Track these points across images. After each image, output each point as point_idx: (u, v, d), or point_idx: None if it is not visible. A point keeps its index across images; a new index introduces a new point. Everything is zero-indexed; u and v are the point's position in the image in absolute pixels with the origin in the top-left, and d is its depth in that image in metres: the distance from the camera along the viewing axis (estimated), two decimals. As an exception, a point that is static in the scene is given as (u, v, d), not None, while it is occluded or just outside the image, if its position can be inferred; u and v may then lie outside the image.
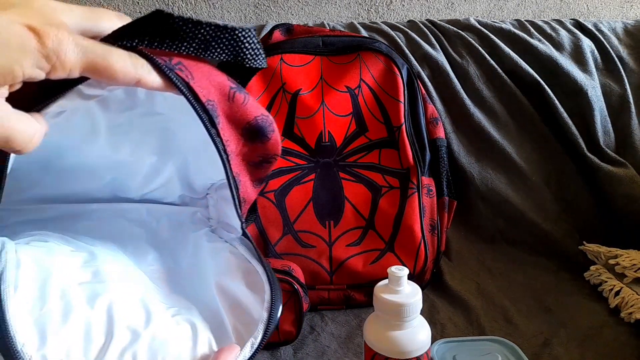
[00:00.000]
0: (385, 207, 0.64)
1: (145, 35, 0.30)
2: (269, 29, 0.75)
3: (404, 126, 0.65)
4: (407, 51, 0.78)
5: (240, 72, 0.37)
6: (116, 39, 0.30)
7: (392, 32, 0.80)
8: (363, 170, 0.65)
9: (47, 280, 0.40)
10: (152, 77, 0.30)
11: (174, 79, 0.31)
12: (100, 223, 0.50)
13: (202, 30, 0.31)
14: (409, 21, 0.86)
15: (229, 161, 0.37)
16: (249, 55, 0.34)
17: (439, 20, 0.85)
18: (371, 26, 0.82)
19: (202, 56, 0.34)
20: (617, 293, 0.61)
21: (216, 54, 0.34)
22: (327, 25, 0.82)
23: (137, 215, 0.52)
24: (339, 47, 0.67)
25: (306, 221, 0.63)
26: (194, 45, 0.32)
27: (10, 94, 0.27)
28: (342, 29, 0.81)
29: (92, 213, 0.51)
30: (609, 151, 0.76)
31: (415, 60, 0.78)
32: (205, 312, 0.42)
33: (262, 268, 0.42)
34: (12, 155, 0.36)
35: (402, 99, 0.65)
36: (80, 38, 0.27)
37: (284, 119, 0.65)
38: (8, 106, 0.27)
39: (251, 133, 0.39)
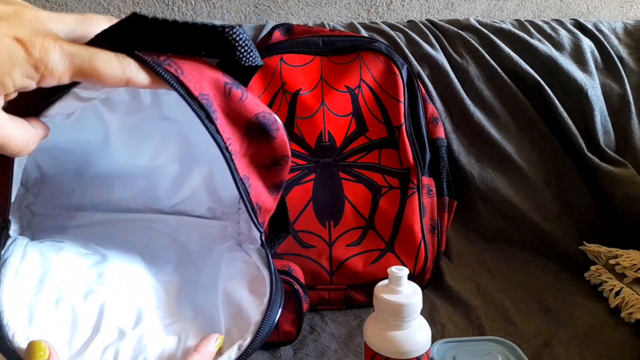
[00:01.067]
0: (385, 207, 0.64)
1: (128, 38, 0.30)
2: (268, 29, 0.75)
3: (404, 126, 0.65)
4: (407, 51, 0.78)
5: (238, 73, 0.37)
6: (101, 42, 0.30)
7: (392, 32, 0.80)
8: (363, 170, 0.65)
9: (48, 272, 0.40)
10: (141, 75, 0.30)
11: (163, 74, 0.31)
12: (127, 232, 0.50)
13: (182, 31, 0.31)
14: (409, 21, 0.86)
15: (232, 160, 0.37)
16: (242, 53, 0.33)
17: (439, 20, 0.85)
18: (371, 26, 0.82)
19: (190, 55, 0.33)
20: (618, 293, 0.61)
21: (204, 53, 0.33)
22: (327, 25, 0.82)
23: (167, 227, 0.52)
24: (339, 47, 0.67)
25: (306, 221, 0.63)
26: (177, 45, 0.32)
27: (9, 101, 0.28)
28: (342, 29, 0.81)
29: (122, 222, 0.51)
30: (609, 151, 0.76)
31: (415, 60, 0.78)
32: (204, 322, 0.42)
33: (268, 274, 0.42)
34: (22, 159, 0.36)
35: (402, 99, 0.65)
36: (66, 44, 0.27)
37: (284, 119, 0.65)
38: (3, 114, 0.28)
39: (254, 132, 0.38)
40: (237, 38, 0.32)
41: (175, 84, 0.32)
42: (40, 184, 0.49)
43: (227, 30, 0.31)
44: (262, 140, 0.39)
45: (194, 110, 0.33)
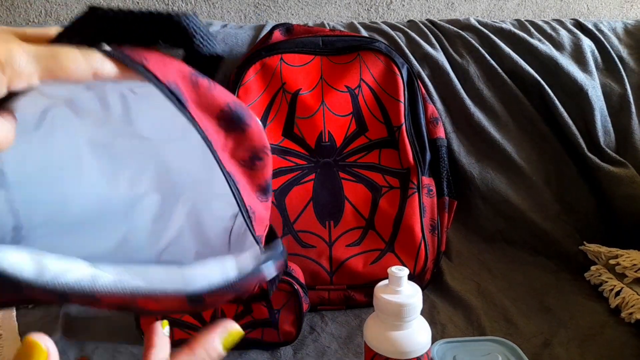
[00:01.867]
0: (385, 207, 0.64)
1: (89, 32, 0.31)
2: (269, 28, 0.75)
3: (404, 126, 0.65)
4: (407, 51, 0.78)
5: (202, 66, 0.37)
6: (63, 39, 0.31)
7: (392, 32, 0.80)
8: (363, 170, 0.65)
9: None
10: (107, 66, 0.30)
11: (127, 61, 0.31)
12: None
13: (138, 20, 0.31)
14: (409, 21, 0.86)
15: (214, 150, 0.37)
16: (199, 40, 0.33)
17: (439, 20, 0.85)
18: (371, 26, 0.82)
19: (150, 45, 0.34)
20: (618, 293, 0.61)
21: (164, 40, 0.33)
22: (327, 25, 0.82)
23: None
24: (339, 47, 0.67)
25: (306, 221, 0.63)
26: (136, 34, 0.32)
27: None
28: (342, 29, 0.81)
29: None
30: (609, 151, 0.76)
31: (416, 60, 0.78)
32: None
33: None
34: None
35: (402, 99, 0.65)
36: (29, 47, 0.28)
37: (284, 119, 0.65)
38: None
39: (228, 122, 0.37)
40: (191, 25, 0.33)
41: (141, 70, 0.32)
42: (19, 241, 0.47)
43: (181, 17, 0.32)
44: (238, 129, 0.38)
45: (167, 97, 0.33)
